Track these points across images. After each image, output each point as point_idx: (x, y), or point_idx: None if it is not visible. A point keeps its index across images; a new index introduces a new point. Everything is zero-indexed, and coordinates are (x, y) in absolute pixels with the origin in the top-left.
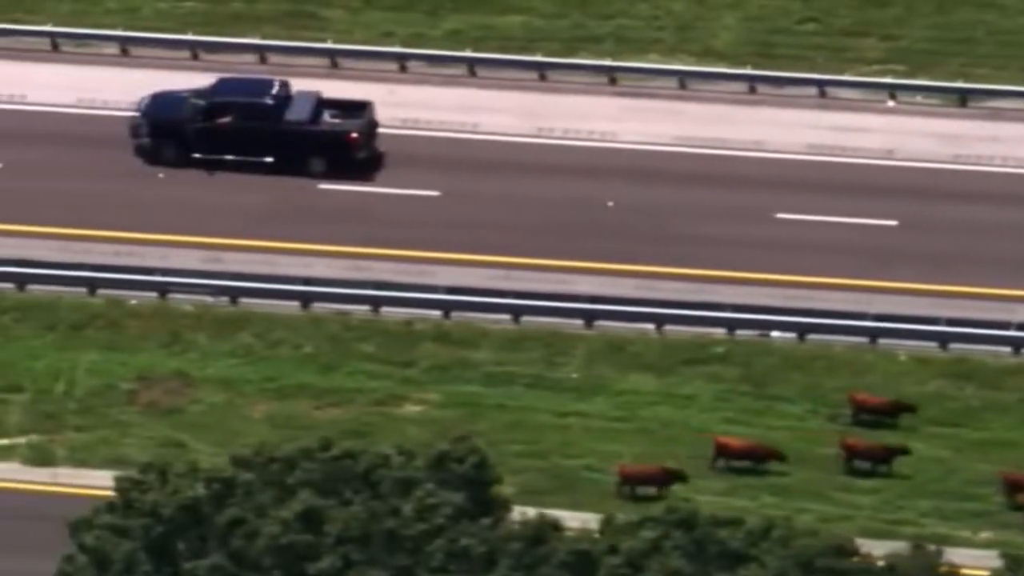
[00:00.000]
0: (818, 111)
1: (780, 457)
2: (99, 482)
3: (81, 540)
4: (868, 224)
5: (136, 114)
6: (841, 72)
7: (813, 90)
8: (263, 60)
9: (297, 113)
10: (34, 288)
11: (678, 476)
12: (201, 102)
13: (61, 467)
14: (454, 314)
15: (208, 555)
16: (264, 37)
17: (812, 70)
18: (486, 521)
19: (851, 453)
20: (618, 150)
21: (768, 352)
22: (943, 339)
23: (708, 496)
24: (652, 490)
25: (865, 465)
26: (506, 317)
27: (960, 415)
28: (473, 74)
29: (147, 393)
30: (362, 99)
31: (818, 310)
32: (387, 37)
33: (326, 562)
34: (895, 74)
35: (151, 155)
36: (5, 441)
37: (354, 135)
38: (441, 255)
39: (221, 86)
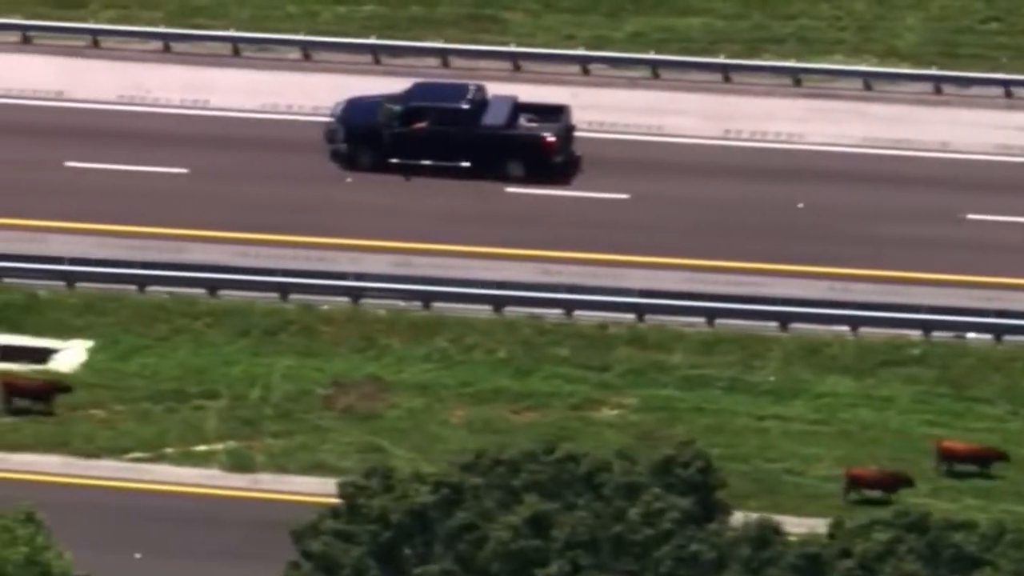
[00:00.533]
0: (1004, 111)
1: (1005, 457)
2: (300, 487)
3: (306, 547)
4: None
5: (331, 119)
6: None
7: (999, 90)
8: (445, 64)
9: (493, 117)
10: (225, 293)
11: (906, 481)
12: (397, 107)
13: (261, 473)
14: (648, 317)
15: (436, 561)
16: (446, 41)
17: (997, 70)
18: (713, 526)
19: None
20: (805, 151)
21: (965, 353)
22: None
23: (911, 500)
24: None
25: None
26: (700, 320)
27: None
28: (656, 76)
29: (343, 398)
30: (558, 103)
31: (1014, 311)
32: (569, 40)
33: (554, 567)
34: None
35: (348, 160)
36: (204, 447)
37: (551, 139)
38: (632, 258)
39: (416, 91)
